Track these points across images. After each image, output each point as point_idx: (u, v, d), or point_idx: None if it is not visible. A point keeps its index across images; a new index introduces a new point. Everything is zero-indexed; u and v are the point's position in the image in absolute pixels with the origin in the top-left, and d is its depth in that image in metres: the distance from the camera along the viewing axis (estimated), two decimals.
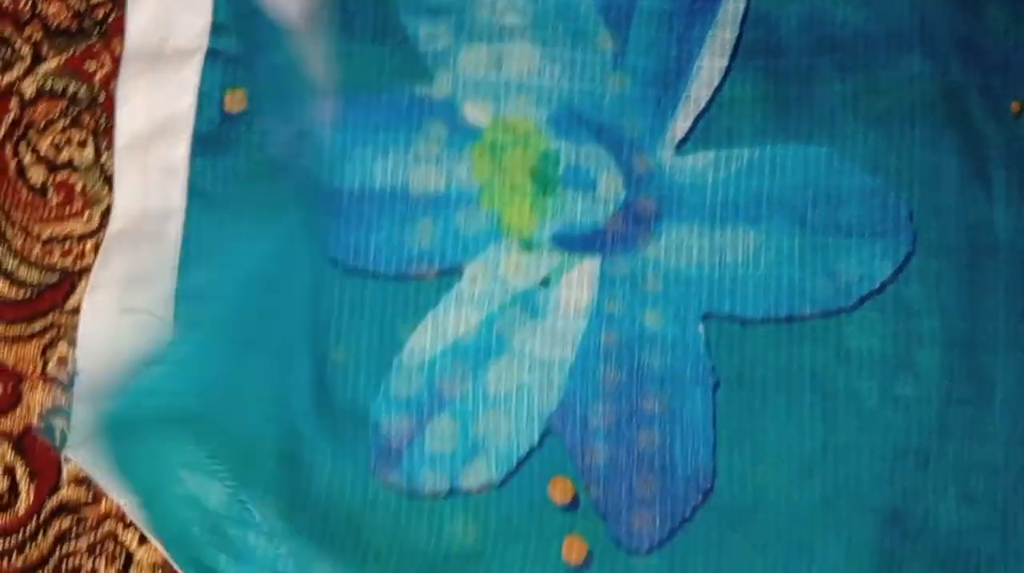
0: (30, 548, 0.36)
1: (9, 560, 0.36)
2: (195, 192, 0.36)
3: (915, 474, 0.36)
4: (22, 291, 0.37)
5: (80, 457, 0.34)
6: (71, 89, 0.37)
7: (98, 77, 0.38)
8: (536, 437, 0.36)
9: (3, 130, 0.37)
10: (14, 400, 0.37)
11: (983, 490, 0.36)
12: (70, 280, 0.37)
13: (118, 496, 0.34)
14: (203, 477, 0.34)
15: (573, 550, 0.36)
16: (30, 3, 0.37)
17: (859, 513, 0.36)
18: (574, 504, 0.36)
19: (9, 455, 0.36)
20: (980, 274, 0.37)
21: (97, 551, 0.37)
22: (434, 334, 0.36)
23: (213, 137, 0.36)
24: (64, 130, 0.37)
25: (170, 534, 0.35)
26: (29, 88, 0.37)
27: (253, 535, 0.34)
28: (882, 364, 0.36)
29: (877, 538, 0.36)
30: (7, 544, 0.36)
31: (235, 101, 0.37)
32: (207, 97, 0.37)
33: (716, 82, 0.38)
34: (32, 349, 0.37)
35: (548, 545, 0.36)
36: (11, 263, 0.37)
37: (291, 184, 0.36)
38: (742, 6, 0.38)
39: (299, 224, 0.37)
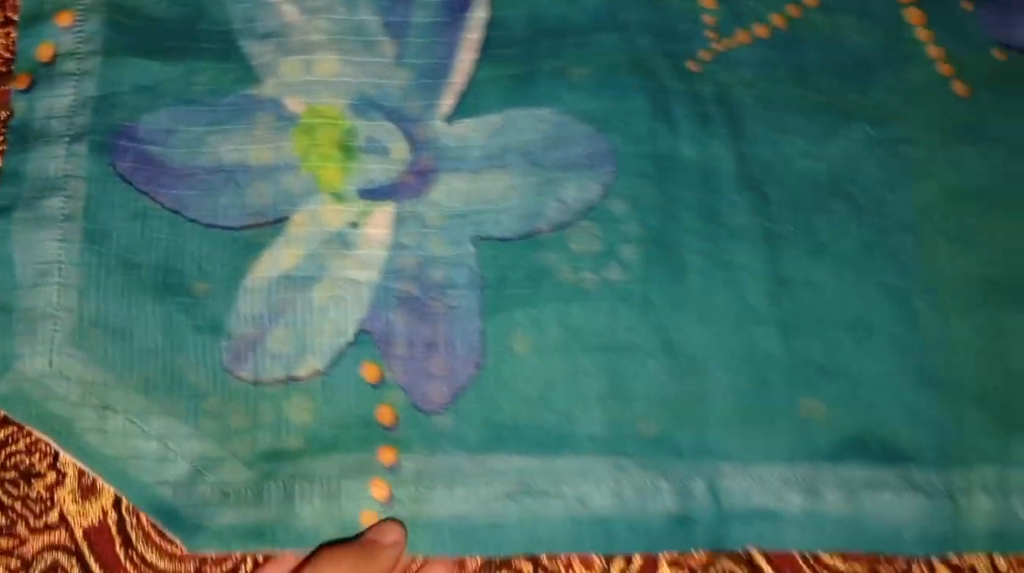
0: None
1: None
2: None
3: (627, 335, 0.48)
4: None
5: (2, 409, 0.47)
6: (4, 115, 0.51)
7: None
8: (351, 336, 0.48)
9: None
10: None
11: (683, 344, 0.48)
12: None
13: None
14: (104, 413, 0.47)
15: (385, 415, 0.48)
16: None
17: (589, 368, 0.48)
18: (381, 382, 0.48)
19: None
20: (671, 188, 0.49)
21: (32, 450, 0.49)
22: (270, 265, 0.49)
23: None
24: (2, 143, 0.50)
25: (86, 455, 0.47)
26: None
27: (144, 440, 0.47)
28: (595, 258, 0.49)
29: (605, 387, 0.48)
30: None
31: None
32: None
33: (470, 71, 0.51)
34: None
35: (366, 413, 0.48)
36: None
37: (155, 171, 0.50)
38: (485, 15, 0.52)
39: (170, 206, 0.50)
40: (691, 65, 0.51)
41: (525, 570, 0.47)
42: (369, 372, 0.48)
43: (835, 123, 0.51)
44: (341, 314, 0.48)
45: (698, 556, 0.48)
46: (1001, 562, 0.48)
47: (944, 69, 0.52)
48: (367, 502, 0.46)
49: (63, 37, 0.51)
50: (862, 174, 0.51)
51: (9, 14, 0.52)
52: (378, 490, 0.46)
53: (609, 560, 0.48)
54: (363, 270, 0.49)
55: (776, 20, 0.52)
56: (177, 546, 0.47)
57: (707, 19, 0.52)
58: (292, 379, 0.47)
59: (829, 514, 0.47)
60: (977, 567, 0.48)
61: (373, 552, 0.44)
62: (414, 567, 0.46)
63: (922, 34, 0.53)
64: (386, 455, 0.47)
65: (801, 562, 0.48)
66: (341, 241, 0.49)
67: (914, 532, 0.47)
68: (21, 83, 0.50)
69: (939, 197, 0.51)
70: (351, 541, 0.45)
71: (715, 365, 0.48)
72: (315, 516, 0.46)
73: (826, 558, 0.48)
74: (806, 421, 0.47)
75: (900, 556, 0.48)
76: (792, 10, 0.52)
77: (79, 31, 0.51)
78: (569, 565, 0.47)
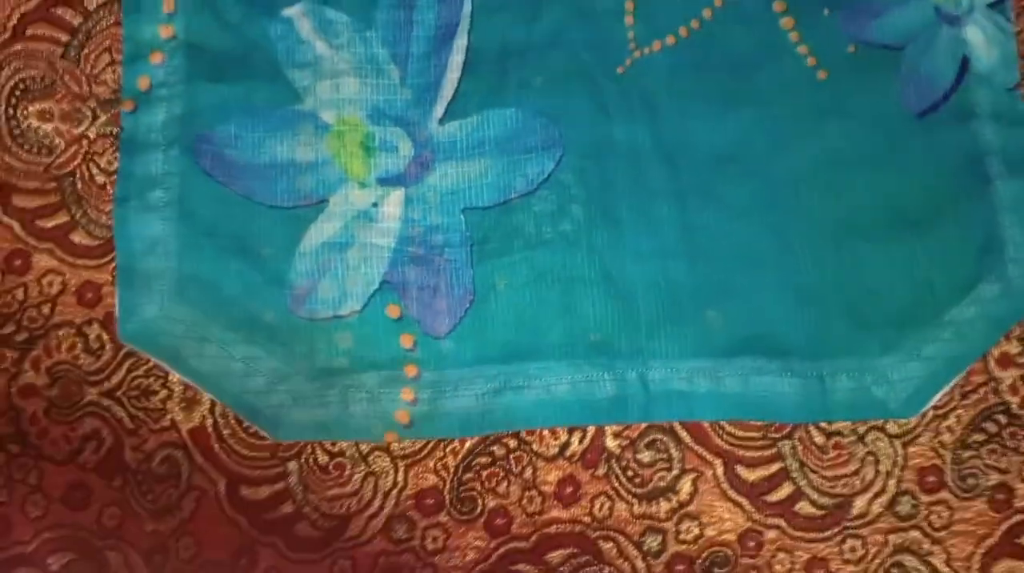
0: (113, 377, 0.67)
1: (101, 383, 0.67)
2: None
3: (577, 271, 0.65)
4: (97, 240, 0.69)
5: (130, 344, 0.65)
6: (114, 130, 0.70)
7: None
8: (377, 285, 0.66)
9: (81, 158, 0.70)
10: (98, 300, 0.68)
11: (618, 276, 0.65)
12: None
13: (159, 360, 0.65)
14: (202, 342, 0.65)
15: (407, 341, 0.66)
16: (88, 85, 0.70)
17: (550, 297, 0.65)
18: (402, 318, 0.66)
19: (99, 328, 0.68)
20: (606, 162, 0.67)
21: (148, 374, 0.68)
22: (316, 235, 0.67)
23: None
24: (114, 153, 0.69)
25: (190, 373, 0.66)
26: (92, 133, 0.70)
27: (231, 362, 0.65)
28: (551, 216, 0.66)
29: (562, 309, 0.65)
30: (100, 376, 0.67)
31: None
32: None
33: (456, 86, 0.69)
34: (106, 271, 0.68)
35: (392, 340, 0.65)
36: (92, 227, 0.69)
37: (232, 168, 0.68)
38: (465, 43, 0.69)
39: (241, 192, 0.68)
40: (619, 70, 0.69)
41: (511, 443, 0.66)
42: (392, 311, 0.66)
43: (726, 108, 0.68)
44: (369, 270, 0.66)
45: (634, 428, 0.66)
46: (860, 426, 0.66)
47: (810, 61, 0.70)
48: (399, 403, 0.64)
49: (156, 71, 0.69)
50: (750, 145, 0.68)
51: (115, 55, 0.70)
52: (407, 394, 0.64)
53: (571, 432, 0.66)
54: (383, 237, 0.67)
55: (681, 31, 0.70)
56: (260, 438, 0.65)
57: (630, 34, 0.70)
58: (337, 317, 0.66)
59: (728, 394, 0.65)
60: (842, 430, 0.66)
61: None
62: None
63: (793, 36, 0.70)
64: (410, 370, 0.65)
65: (709, 429, 0.66)
66: (366, 216, 0.67)
67: (792, 406, 0.65)
68: (127, 107, 0.68)
69: (809, 159, 0.68)
70: None
71: (642, 289, 0.66)
72: (363, 414, 0.64)
73: (728, 426, 0.66)
74: (709, 326, 0.65)
75: (783, 423, 0.66)
76: (694, 23, 0.70)
77: (167, 66, 0.69)
78: (542, 436, 0.66)
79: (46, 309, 0.67)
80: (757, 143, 0.68)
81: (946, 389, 0.65)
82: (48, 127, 0.69)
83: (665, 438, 0.65)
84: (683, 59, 0.69)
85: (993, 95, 0.69)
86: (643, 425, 0.66)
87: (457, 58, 0.69)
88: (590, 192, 0.66)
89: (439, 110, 0.68)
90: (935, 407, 0.65)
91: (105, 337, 0.67)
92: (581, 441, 0.66)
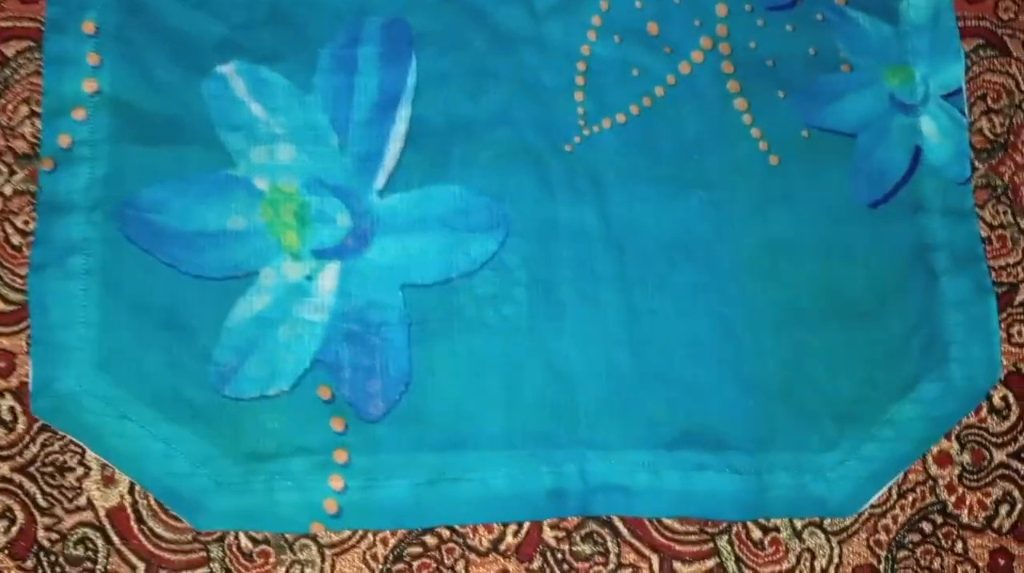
0: (25, 452, 0.64)
1: (13, 458, 0.64)
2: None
3: (518, 357, 0.63)
4: (12, 305, 0.65)
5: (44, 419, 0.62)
6: (33, 188, 0.66)
7: None
8: (308, 365, 0.63)
9: None
10: (11, 369, 0.64)
11: (560, 363, 0.63)
12: None
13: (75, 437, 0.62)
14: (122, 420, 0.62)
15: (337, 424, 0.63)
16: (3, 138, 0.66)
17: (490, 385, 0.63)
18: (333, 399, 0.63)
19: (11, 399, 0.64)
20: (551, 243, 0.65)
21: (64, 450, 0.64)
22: (245, 309, 0.64)
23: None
24: (31, 212, 0.65)
25: (108, 453, 0.62)
26: (7, 190, 0.66)
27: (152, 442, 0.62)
28: (493, 298, 0.64)
29: (502, 398, 0.63)
30: (12, 451, 0.64)
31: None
32: None
33: (398, 156, 0.66)
34: (21, 338, 0.64)
35: (322, 422, 0.63)
36: (6, 291, 0.65)
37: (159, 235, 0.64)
38: (408, 112, 0.67)
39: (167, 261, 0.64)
40: (567, 147, 0.67)
41: (444, 532, 0.64)
42: (324, 392, 0.63)
43: (676, 190, 0.67)
44: (300, 348, 0.63)
45: (572, 519, 0.64)
46: (797, 522, 0.65)
47: (762, 145, 0.68)
48: (328, 492, 0.62)
49: (78, 128, 0.65)
50: (697, 230, 0.67)
51: (34, 107, 0.66)
52: (335, 482, 0.62)
53: (505, 523, 0.64)
54: (316, 313, 0.64)
55: (632, 109, 0.68)
56: (179, 521, 0.62)
57: (580, 110, 0.68)
58: (264, 397, 0.63)
59: (667, 490, 0.63)
60: (780, 526, 0.65)
61: None
62: None
63: (747, 118, 0.69)
64: (340, 455, 0.62)
65: (648, 524, 0.65)
66: (299, 290, 0.64)
67: (731, 503, 0.64)
68: (46, 165, 0.64)
69: (755, 247, 0.67)
70: None
71: (583, 377, 0.64)
72: (289, 503, 0.61)
73: (667, 520, 0.65)
74: (650, 418, 0.64)
75: (721, 520, 0.65)
76: (646, 100, 0.68)
77: (91, 123, 0.65)
78: (475, 529, 0.64)
79: None
80: (705, 228, 0.67)
81: (885, 488, 0.64)
82: None
83: (603, 530, 0.64)
84: (633, 138, 0.67)
85: (944, 188, 0.68)
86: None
87: (400, 127, 0.66)
88: (534, 275, 0.64)
89: (380, 181, 0.66)
90: (872, 505, 0.64)
91: (19, 409, 0.63)
92: (516, 534, 0.64)
